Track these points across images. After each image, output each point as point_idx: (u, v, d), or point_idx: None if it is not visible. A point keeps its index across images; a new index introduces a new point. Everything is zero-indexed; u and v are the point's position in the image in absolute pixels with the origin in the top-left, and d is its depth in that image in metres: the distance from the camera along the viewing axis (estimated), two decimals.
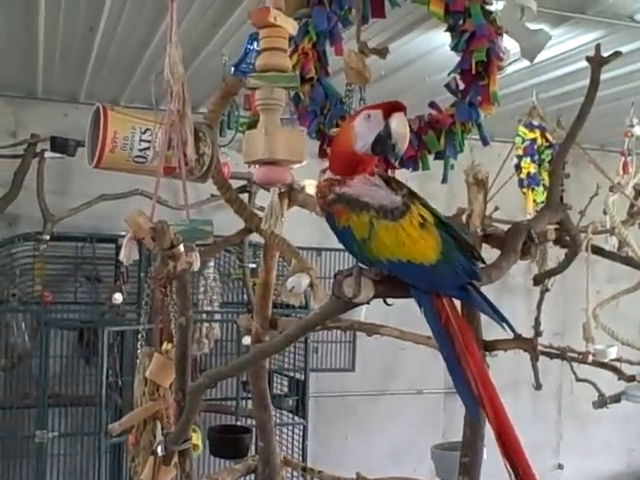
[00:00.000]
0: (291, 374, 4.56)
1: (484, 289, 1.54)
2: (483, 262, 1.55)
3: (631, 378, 4.29)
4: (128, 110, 1.92)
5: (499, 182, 4.50)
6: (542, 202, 4.02)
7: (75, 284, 4.52)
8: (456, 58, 2.35)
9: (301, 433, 4.36)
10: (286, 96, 1.83)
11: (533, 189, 3.93)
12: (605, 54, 2.20)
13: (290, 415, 4.45)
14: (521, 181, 3.96)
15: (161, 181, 1.93)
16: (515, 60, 3.42)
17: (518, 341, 2.01)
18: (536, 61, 3.59)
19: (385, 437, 5.41)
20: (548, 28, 3.02)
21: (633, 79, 4.01)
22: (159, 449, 1.90)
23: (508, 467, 1.42)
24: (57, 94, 4.76)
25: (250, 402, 3.82)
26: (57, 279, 4.55)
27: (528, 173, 3.91)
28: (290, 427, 4.45)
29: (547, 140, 4.05)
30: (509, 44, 2.96)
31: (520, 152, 3.96)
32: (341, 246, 1.48)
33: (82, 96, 4.73)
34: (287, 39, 1.76)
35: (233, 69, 2.59)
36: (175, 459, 1.93)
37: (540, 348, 4.87)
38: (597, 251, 4.42)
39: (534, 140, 3.94)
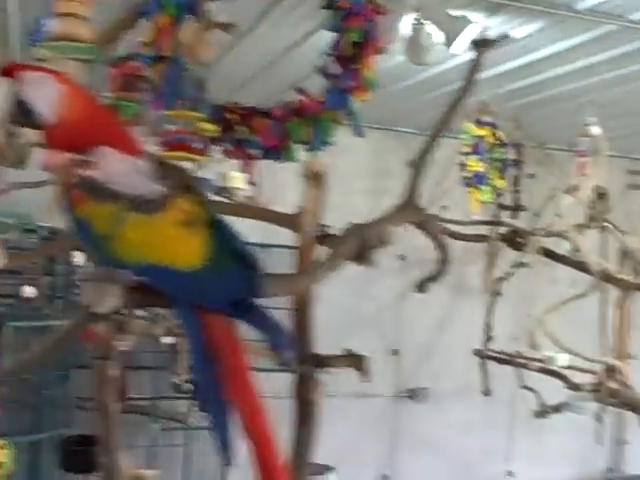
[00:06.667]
0: None
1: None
2: (262, 275, 1.28)
3: (575, 387, 4.13)
4: None
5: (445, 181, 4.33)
6: (488, 202, 3.86)
7: None
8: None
9: None
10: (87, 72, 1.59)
11: (478, 188, 3.75)
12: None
13: None
14: (466, 180, 3.78)
15: None
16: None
17: (350, 358, 1.84)
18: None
19: None
20: (484, 16, 2.84)
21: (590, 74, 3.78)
22: None
23: None
24: None
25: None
26: None
27: (474, 172, 3.73)
28: None
29: (498, 138, 3.88)
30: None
31: (466, 149, 3.78)
32: None
33: None
34: (86, 5, 1.53)
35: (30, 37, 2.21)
36: None
37: (490, 353, 4.76)
38: (549, 254, 4.26)
39: (482, 137, 3.76)
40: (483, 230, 4.47)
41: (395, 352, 5.30)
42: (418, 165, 1.93)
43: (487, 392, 4.81)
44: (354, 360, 1.86)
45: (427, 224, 1.88)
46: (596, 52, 3.33)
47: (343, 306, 5.14)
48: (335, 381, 5.29)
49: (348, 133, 5.07)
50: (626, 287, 4.04)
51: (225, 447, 1.24)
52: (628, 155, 5.53)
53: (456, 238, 4.35)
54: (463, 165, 3.73)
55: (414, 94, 4.11)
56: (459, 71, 3.73)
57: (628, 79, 3.70)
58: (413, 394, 5.33)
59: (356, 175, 5.10)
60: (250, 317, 1.24)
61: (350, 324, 5.10)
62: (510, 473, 5.60)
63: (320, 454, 5.04)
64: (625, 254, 4.15)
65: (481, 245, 4.55)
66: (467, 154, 3.73)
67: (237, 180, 3.25)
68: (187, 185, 1.26)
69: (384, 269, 5.18)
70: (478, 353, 4.76)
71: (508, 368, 4.69)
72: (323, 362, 1.92)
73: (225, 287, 1.22)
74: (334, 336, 5.02)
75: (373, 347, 5.29)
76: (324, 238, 1.84)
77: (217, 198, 3.25)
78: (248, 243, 1.30)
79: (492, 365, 4.85)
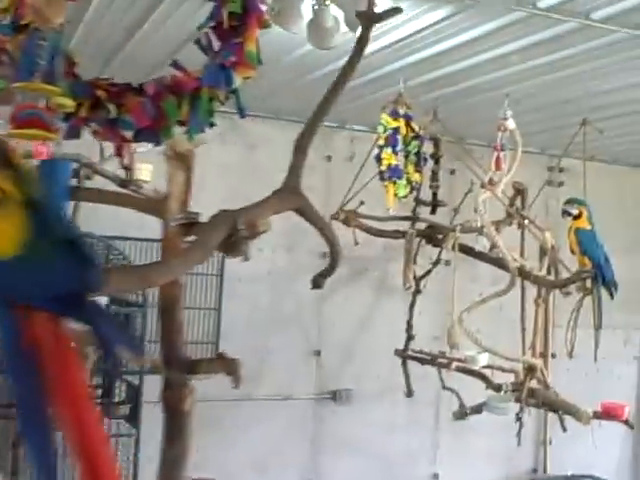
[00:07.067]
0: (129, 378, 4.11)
1: None
2: (98, 266, 1.11)
3: (497, 387, 4.04)
4: None
5: (363, 176, 4.20)
6: (404, 196, 3.73)
7: None
8: None
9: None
10: None
11: (394, 182, 3.62)
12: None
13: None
14: (382, 173, 3.65)
15: None
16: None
17: (221, 362, 1.68)
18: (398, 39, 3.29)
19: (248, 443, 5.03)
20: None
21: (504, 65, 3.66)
22: None
23: None
24: None
25: None
26: None
27: (389, 165, 3.60)
28: (127, 437, 4.02)
29: (413, 130, 3.76)
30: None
31: (381, 142, 3.65)
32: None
33: None
34: None
35: None
36: None
37: (411, 353, 4.64)
38: (466, 251, 4.15)
39: (397, 129, 3.63)
40: (403, 226, 4.35)
41: (317, 353, 5.15)
42: (299, 149, 1.77)
43: (410, 393, 4.69)
44: (226, 364, 1.69)
45: (308, 212, 1.72)
46: (508, 41, 3.23)
47: (264, 304, 4.96)
48: (256, 384, 5.11)
49: (266, 125, 4.91)
50: (544, 284, 3.96)
51: (48, 472, 1.05)
52: (545, 152, 5.51)
53: (373, 234, 4.23)
54: (379, 159, 3.59)
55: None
56: (376, 59, 3.63)
57: (551, 68, 3.59)
58: (336, 396, 5.18)
59: (275, 169, 4.90)
60: (83, 315, 1.06)
61: (271, 323, 4.93)
62: (435, 475, 5.49)
63: (242, 459, 4.91)
64: (544, 251, 4.08)
65: (402, 242, 4.43)
66: (382, 147, 3.59)
67: (143, 172, 3.04)
68: (13, 163, 1.08)
69: (305, 266, 5.02)
70: (399, 354, 4.64)
71: (432, 368, 4.59)
72: (193, 367, 1.74)
73: (47, 280, 1.04)
74: (255, 335, 4.87)
75: (295, 348, 5.15)
76: (191, 226, 1.66)
77: (122, 190, 3.05)
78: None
79: (415, 365, 4.73)
